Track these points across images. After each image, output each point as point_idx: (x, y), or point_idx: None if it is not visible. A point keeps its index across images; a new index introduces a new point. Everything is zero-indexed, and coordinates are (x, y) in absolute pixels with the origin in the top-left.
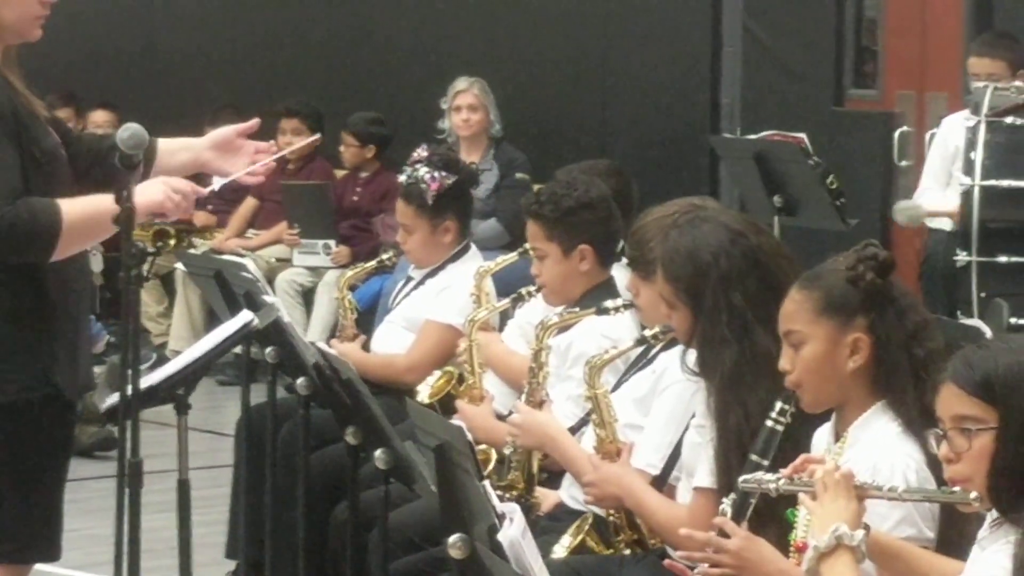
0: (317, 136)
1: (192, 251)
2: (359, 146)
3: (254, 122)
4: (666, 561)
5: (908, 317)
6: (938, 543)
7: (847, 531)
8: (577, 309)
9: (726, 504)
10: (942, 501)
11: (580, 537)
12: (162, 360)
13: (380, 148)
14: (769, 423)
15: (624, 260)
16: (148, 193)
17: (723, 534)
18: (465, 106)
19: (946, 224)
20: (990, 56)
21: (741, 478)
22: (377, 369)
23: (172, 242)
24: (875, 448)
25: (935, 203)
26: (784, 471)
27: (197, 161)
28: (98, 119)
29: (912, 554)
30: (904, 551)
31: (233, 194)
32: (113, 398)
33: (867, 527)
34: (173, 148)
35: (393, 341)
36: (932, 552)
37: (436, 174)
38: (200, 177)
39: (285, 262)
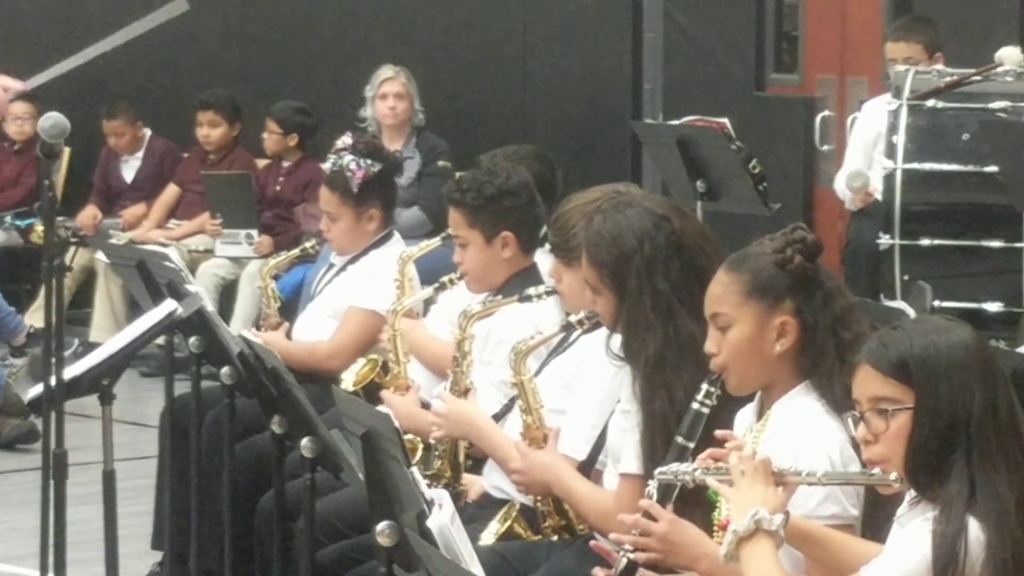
0: None
1: (114, 241)
2: (282, 134)
3: None
4: (592, 543)
5: (835, 301)
6: (863, 523)
7: (766, 515)
8: (500, 297)
9: (652, 487)
10: (862, 483)
11: (508, 523)
12: (86, 349)
13: (303, 137)
14: (695, 405)
15: (547, 246)
16: None
17: (650, 517)
18: (392, 94)
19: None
20: (905, 40)
21: (657, 470)
22: (300, 357)
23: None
24: (798, 425)
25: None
26: (700, 458)
27: None
28: (17, 110)
29: (833, 539)
30: (825, 537)
31: (154, 184)
32: (36, 389)
33: (787, 513)
34: None
35: (316, 329)
36: (853, 536)
37: (361, 162)
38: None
39: (208, 252)
